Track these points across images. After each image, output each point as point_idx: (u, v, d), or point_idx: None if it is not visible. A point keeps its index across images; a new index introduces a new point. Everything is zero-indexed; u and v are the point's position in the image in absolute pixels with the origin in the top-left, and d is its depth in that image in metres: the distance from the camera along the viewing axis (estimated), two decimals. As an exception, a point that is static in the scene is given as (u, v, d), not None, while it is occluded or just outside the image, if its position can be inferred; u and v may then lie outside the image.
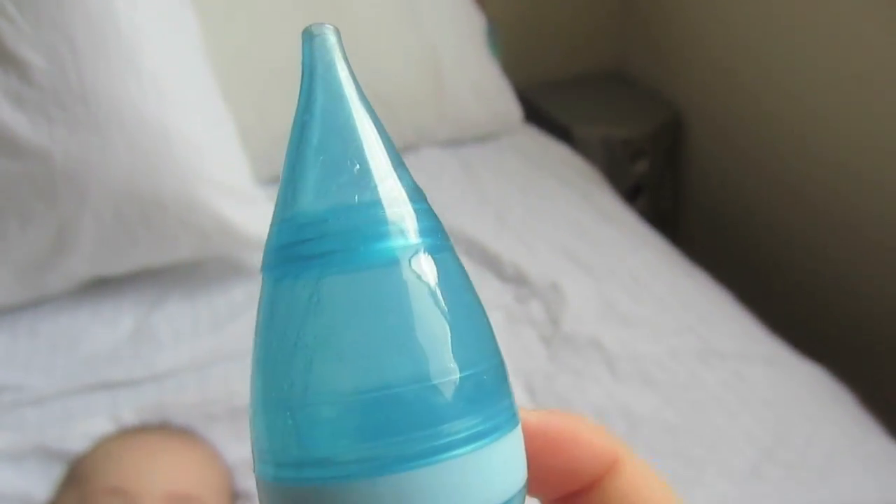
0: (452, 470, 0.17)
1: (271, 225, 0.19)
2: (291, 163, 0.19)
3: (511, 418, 0.18)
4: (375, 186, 0.18)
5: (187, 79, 0.91)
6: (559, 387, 0.81)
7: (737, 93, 1.37)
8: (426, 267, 0.18)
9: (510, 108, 1.26)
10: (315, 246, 0.18)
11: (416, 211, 0.19)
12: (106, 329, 0.88)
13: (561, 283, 0.93)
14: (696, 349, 0.85)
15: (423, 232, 0.19)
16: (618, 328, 0.88)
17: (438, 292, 0.18)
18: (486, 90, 1.23)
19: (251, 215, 0.91)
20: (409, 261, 0.18)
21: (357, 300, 0.18)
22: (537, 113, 1.40)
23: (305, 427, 0.17)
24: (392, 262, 0.18)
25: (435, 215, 0.19)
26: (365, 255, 0.18)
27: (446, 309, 0.18)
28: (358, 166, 0.19)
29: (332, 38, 0.21)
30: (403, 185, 0.19)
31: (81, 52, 0.83)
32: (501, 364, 0.19)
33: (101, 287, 0.92)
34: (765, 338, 0.88)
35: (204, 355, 0.84)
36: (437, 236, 0.19)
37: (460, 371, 0.17)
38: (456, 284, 0.18)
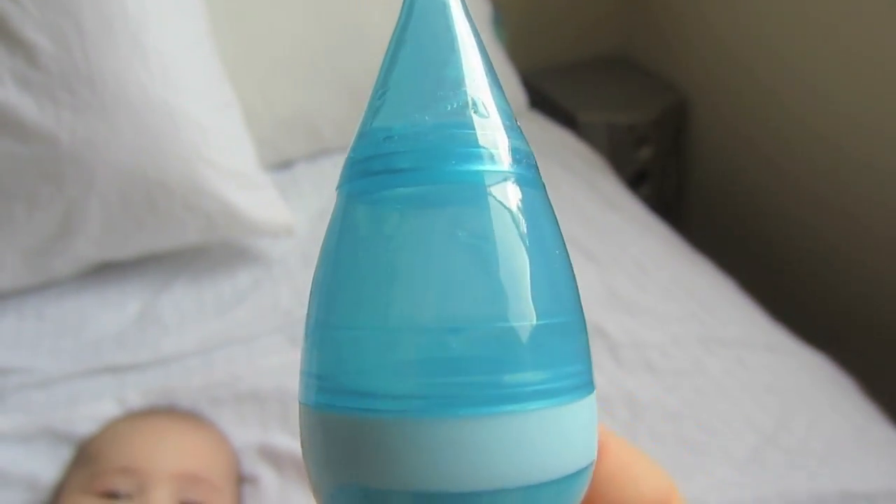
0: (514, 424, 0.15)
1: (355, 137, 0.18)
2: (384, 72, 0.18)
3: (588, 383, 0.17)
4: (467, 103, 0.17)
5: (194, 62, 0.91)
6: (562, 373, 0.82)
7: (742, 79, 1.36)
8: (514, 199, 0.16)
9: (515, 93, 1.26)
10: (396, 160, 0.16)
11: (508, 135, 0.17)
12: (112, 313, 0.88)
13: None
14: (699, 336, 0.86)
15: (513, 159, 0.17)
16: (621, 315, 0.88)
17: (524, 229, 0.16)
18: (491, 76, 1.23)
19: (256, 200, 0.91)
20: (496, 188, 0.16)
21: (435, 224, 0.16)
22: (542, 98, 1.39)
23: (367, 353, 0.16)
24: (477, 187, 0.16)
25: (526, 142, 0.18)
26: (449, 175, 0.16)
27: (530, 249, 0.16)
28: (452, 80, 0.17)
29: None
30: (497, 106, 0.17)
31: (88, 35, 0.82)
32: (582, 322, 0.17)
33: (106, 271, 0.93)
34: (767, 325, 0.89)
35: (209, 340, 0.84)
36: (527, 167, 0.17)
37: (537, 318, 0.16)
38: (543, 225, 0.17)
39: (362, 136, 0.17)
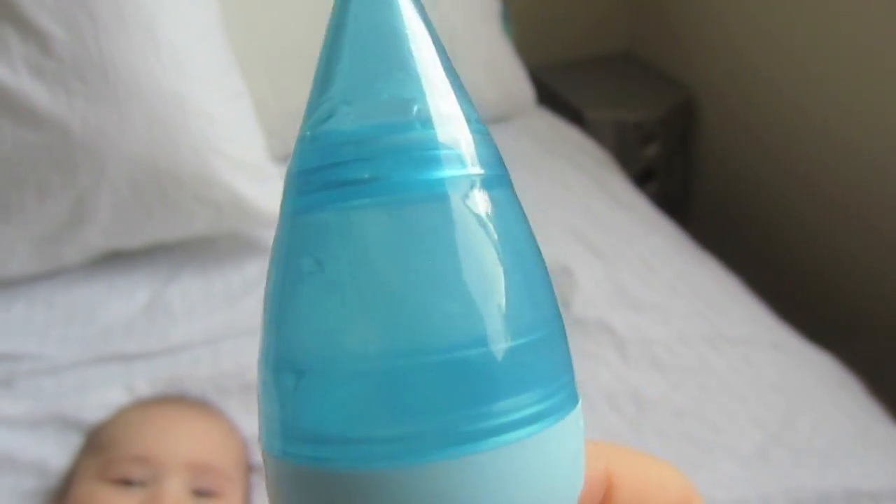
0: (504, 459, 0.14)
1: (295, 145, 0.16)
2: (321, 71, 0.16)
3: (572, 395, 0.15)
4: (424, 101, 0.15)
5: (205, 53, 0.91)
6: (569, 368, 0.82)
7: (749, 76, 1.36)
8: (482, 205, 0.14)
9: (523, 90, 1.26)
10: (345, 171, 0.14)
11: (472, 134, 0.15)
12: (121, 302, 0.88)
13: (572, 266, 0.93)
14: (705, 334, 0.86)
15: (480, 161, 0.15)
16: (628, 312, 0.89)
17: (494, 238, 0.14)
18: (500, 72, 1.23)
19: (265, 191, 0.91)
20: (462, 195, 0.14)
21: (394, 243, 0.14)
22: (549, 95, 1.39)
23: (326, 394, 0.14)
24: (440, 197, 0.14)
25: (493, 141, 0.16)
26: (407, 185, 0.14)
27: (504, 261, 0.14)
28: (403, 75, 0.15)
29: None
30: (459, 102, 0.15)
31: (101, 24, 0.83)
32: (562, 329, 0.16)
33: (116, 260, 0.93)
34: (773, 324, 0.89)
35: (217, 330, 0.85)
36: (495, 167, 0.15)
37: (517, 337, 0.14)
38: (515, 230, 0.15)
39: (304, 144, 0.15)
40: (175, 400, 0.70)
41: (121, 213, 0.87)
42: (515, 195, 0.16)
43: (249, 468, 0.67)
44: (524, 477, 0.14)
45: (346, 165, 0.14)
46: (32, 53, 0.82)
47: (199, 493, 0.58)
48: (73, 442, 0.69)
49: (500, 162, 0.16)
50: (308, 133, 0.15)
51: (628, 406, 0.78)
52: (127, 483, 0.57)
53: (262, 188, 0.91)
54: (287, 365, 0.14)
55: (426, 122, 0.15)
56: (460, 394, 0.14)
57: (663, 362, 0.83)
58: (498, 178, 0.15)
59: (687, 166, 1.53)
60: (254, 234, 0.95)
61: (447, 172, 0.14)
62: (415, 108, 0.15)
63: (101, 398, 0.75)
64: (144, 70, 0.84)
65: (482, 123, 0.16)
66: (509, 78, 1.24)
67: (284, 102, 1.04)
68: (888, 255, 1.16)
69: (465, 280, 0.14)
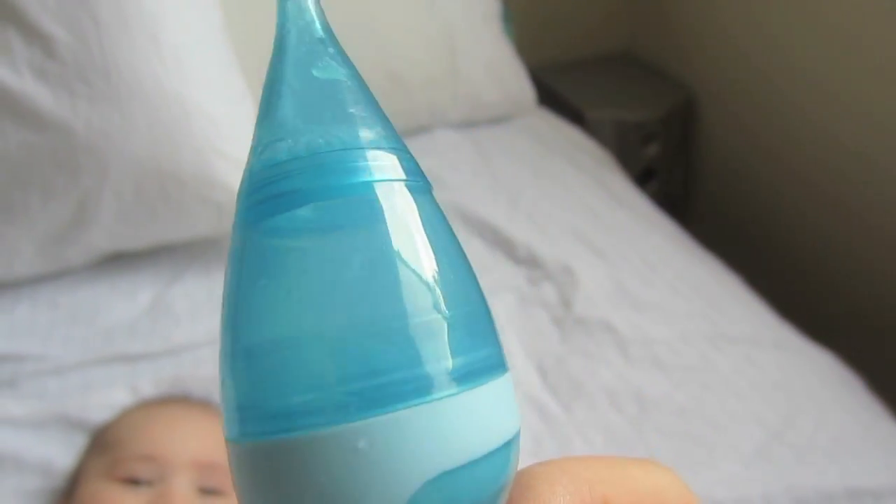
0: (437, 413, 0.16)
1: (245, 172, 0.18)
2: (263, 109, 0.18)
3: (500, 364, 0.17)
4: (353, 125, 0.18)
5: (208, 55, 0.92)
6: (571, 369, 0.83)
7: (749, 76, 1.37)
8: (407, 204, 0.17)
9: (524, 89, 1.26)
10: (283, 184, 0.17)
11: (395, 151, 0.18)
12: (124, 303, 0.89)
13: (573, 265, 0.94)
14: (707, 333, 0.86)
15: (403, 170, 0.18)
16: (629, 311, 0.89)
17: (420, 230, 0.17)
18: (501, 72, 1.23)
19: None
20: (388, 195, 0.17)
21: (330, 235, 0.17)
22: (550, 95, 1.40)
23: (272, 372, 0.16)
24: (369, 194, 0.17)
25: (414, 159, 0.19)
26: (338, 188, 0.17)
27: (428, 248, 0.17)
28: (334, 109, 0.18)
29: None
30: (381, 126, 0.18)
31: (104, 26, 0.83)
32: (487, 311, 0.18)
33: (119, 261, 0.93)
34: (775, 323, 0.89)
35: (219, 331, 0.85)
36: (417, 177, 0.18)
37: (443, 310, 0.16)
38: (438, 227, 0.18)
39: (253, 163, 0.18)
40: (179, 400, 0.70)
41: (124, 215, 0.87)
42: (437, 203, 0.18)
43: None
44: (455, 429, 0.16)
45: (283, 181, 0.17)
46: (36, 56, 0.82)
47: (206, 491, 0.58)
48: (78, 442, 0.70)
49: (421, 173, 0.18)
50: (252, 163, 0.18)
51: (630, 405, 0.78)
52: (134, 482, 0.57)
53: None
54: (247, 352, 0.17)
55: (352, 143, 0.17)
56: (393, 358, 0.16)
57: (665, 361, 0.83)
58: (419, 186, 0.18)
59: (687, 166, 1.53)
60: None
61: (373, 177, 0.17)
62: (345, 134, 0.18)
63: (106, 398, 0.75)
64: (147, 72, 0.85)
65: (403, 145, 0.19)
66: (510, 78, 1.25)
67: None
68: (888, 254, 1.16)
69: (395, 265, 0.16)
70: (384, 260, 0.16)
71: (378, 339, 0.16)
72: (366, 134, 0.18)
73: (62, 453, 0.70)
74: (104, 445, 0.62)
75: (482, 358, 0.17)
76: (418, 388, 0.16)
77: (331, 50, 0.19)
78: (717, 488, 0.69)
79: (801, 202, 1.31)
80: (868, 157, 1.17)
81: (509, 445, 0.17)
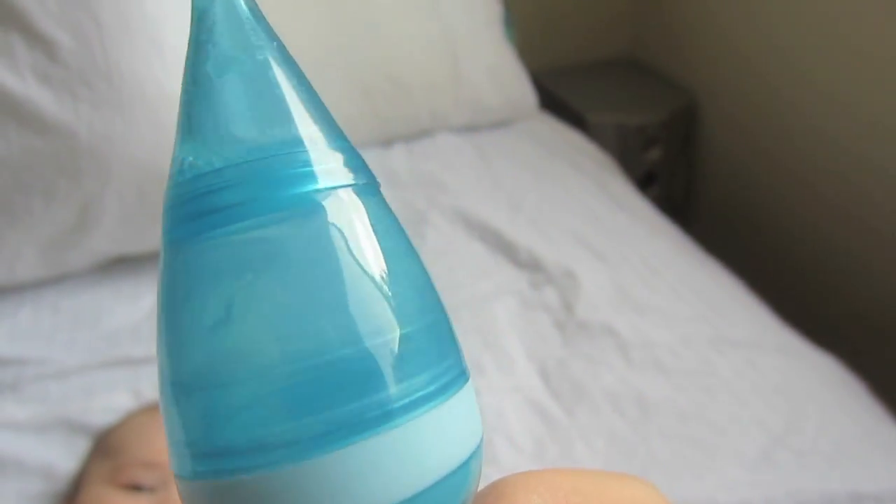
0: (398, 439, 0.15)
1: (168, 180, 0.17)
2: (185, 109, 0.16)
3: (460, 375, 0.16)
4: (288, 124, 0.16)
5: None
6: (573, 372, 0.83)
7: (752, 80, 1.37)
8: (354, 212, 0.16)
9: (526, 94, 1.27)
10: (217, 198, 0.15)
11: (337, 149, 0.16)
12: (126, 307, 0.89)
13: (575, 269, 0.94)
14: (709, 337, 0.86)
15: (348, 172, 0.16)
16: (631, 315, 0.89)
17: (370, 241, 0.15)
18: (503, 76, 1.24)
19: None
20: (333, 205, 0.15)
21: (271, 256, 0.15)
22: (552, 99, 1.40)
23: (225, 406, 0.15)
24: (313, 209, 0.15)
25: (359, 154, 0.17)
26: (278, 202, 0.15)
27: (380, 260, 0.15)
28: (265, 103, 0.16)
29: None
30: (320, 122, 0.16)
31: (106, 31, 0.83)
32: (445, 318, 0.17)
33: (122, 265, 0.94)
34: (777, 327, 0.89)
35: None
36: (363, 176, 0.16)
37: (399, 328, 0.15)
38: (389, 232, 0.16)
39: (176, 177, 0.16)
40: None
41: (126, 219, 0.88)
42: (385, 201, 0.17)
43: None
44: (420, 451, 0.15)
45: (216, 193, 0.15)
46: (39, 60, 0.82)
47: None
48: (80, 446, 0.70)
49: (367, 171, 0.17)
50: (177, 171, 0.16)
51: (632, 409, 0.78)
52: (136, 488, 0.57)
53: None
54: (185, 386, 0.15)
55: (290, 144, 0.15)
56: (349, 389, 0.14)
57: (667, 365, 0.83)
58: (366, 187, 0.16)
59: (689, 170, 1.53)
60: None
61: (317, 185, 0.15)
62: (278, 135, 0.16)
63: (108, 402, 0.75)
64: (149, 76, 0.85)
65: (346, 140, 0.17)
66: (512, 82, 1.25)
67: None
68: (890, 257, 1.16)
69: (345, 285, 0.15)
70: (334, 279, 0.15)
71: (330, 368, 0.14)
72: (306, 132, 0.16)
73: (64, 457, 0.70)
74: (107, 450, 0.62)
75: (443, 371, 0.16)
76: (376, 416, 0.14)
77: (259, 32, 0.17)
78: (718, 493, 0.69)
79: (802, 206, 1.30)
80: (870, 161, 1.17)
81: (472, 457, 0.16)
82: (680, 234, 1.07)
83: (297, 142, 0.16)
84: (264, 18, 0.18)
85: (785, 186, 1.34)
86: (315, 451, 0.14)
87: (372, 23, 1.13)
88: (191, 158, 0.16)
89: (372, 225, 0.16)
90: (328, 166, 0.16)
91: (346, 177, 0.16)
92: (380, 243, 0.16)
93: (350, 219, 0.15)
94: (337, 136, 0.16)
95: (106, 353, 0.83)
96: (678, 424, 0.77)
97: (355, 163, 0.16)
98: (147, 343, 0.84)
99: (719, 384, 0.81)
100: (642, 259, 0.99)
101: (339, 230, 0.15)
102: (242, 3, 0.17)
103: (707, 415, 0.78)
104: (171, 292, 0.16)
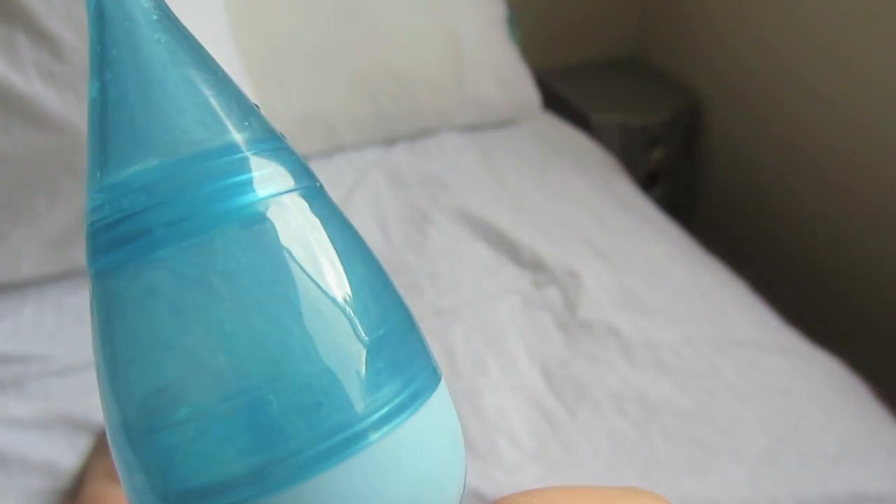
0: (372, 459, 0.13)
1: (87, 200, 0.15)
2: (99, 124, 0.15)
3: (432, 374, 0.15)
4: (222, 130, 0.14)
5: (213, 57, 0.92)
6: (575, 372, 0.82)
7: (755, 81, 1.37)
8: (301, 218, 0.14)
9: (529, 93, 1.27)
10: (145, 219, 0.13)
11: (275, 152, 0.14)
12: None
13: (578, 269, 0.94)
14: (712, 337, 0.86)
15: (290, 176, 0.14)
16: (634, 315, 0.89)
17: (322, 249, 0.14)
18: (506, 76, 1.24)
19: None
20: (279, 214, 0.14)
21: (217, 279, 0.13)
22: (555, 99, 1.40)
23: (187, 445, 0.13)
24: (255, 221, 0.14)
25: (296, 154, 0.15)
26: (215, 218, 0.13)
27: (335, 268, 0.14)
28: (186, 110, 0.14)
29: None
30: (253, 125, 0.15)
31: (111, 30, 0.84)
32: (407, 318, 0.15)
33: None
34: (780, 327, 0.89)
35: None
36: (306, 179, 0.15)
37: (360, 339, 0.14)
38: (341, 237, 0.15)
39: (97, 196, 0.14)
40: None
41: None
42: (330, 199, 0.15)
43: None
44: (410, 460, 0.14)
45: (145, 213, 0.13)
46: (43, 58, 0.82)
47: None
48: (82, 443, 0.70)
49: (307, 172, 0.15)
50: (100, 184, 0.14)
51: (635, 409, 0.78)
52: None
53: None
54: (134, 429, 0.14)
55: (225, 150, 0.14)
56: (316, 410, 0.13)
57: (670, 365, 0.83)
58: (310, 189, 0.15)
59: (692, 170, 1.53)
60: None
61: (258, 193, 0.14)
62: (205, 142, 0.14)
63: (110, 400, 0.75)
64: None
65: (280, 139, 0.15)
66: (515, 82, 1.25)
67: (292, 108, 1.05)
68: (892, 260, 1.16)
69: (300, 299, 0.13)
70: (286, 295, 0.13)
71: (288, 392, 0.13)
72: (238, 134, 0.14)
73: (67, 454, 0.70)
74: (108, 447, 0.62)
75: (413, 375, 0.15)
76: (346, 439, 0.13)
77: (173, 29, 0.15)
78: (721, 493, 0.69)
79: (805, 206, 1.30)
80: (873, 163, 1.17)
81: (457, 465, 0.15)
82: (683, 234, 1.07)
83: (235, 146, 0.14)
84: (163, 6, 0.15)
85: (787, 186, 1.33)
86: (281, 485, 0.13)
87: (376, 22, 1.13)
88: (112, 178, 0.14)
89: (323, 231, 0.14)
90: (269, 171, 0.14)
91: (289, 181, 0.14)
92: (333, 249, 0.14)
93: (299, 227, 0.14)
94: (269, 133, 0.15)
95: (109, 351, 0.83)
96: (680, 424, 0.77)
97: (295, 165, 0.15)
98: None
99: (722, 384, 0.81)
100: (645, 259, 0.98)
101: (288, 241, 0.14)
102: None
103: (709, 415, 0.78)
104: (106, 330, 0.14)
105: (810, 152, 1.28)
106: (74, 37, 0.83)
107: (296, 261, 0.14)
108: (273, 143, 0.14)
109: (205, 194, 0.13)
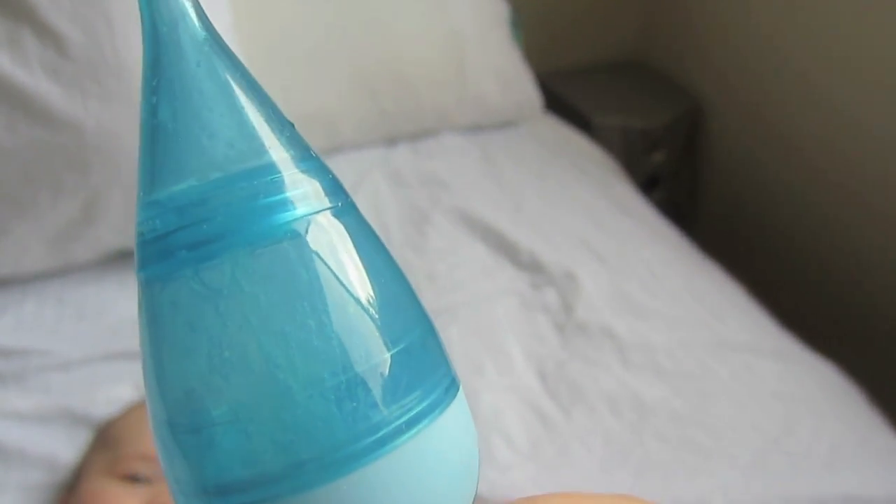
0: (397, 461, 0.15)
1: (138, 211, 0.16)
2: (148, 144, 0.16)
3: (451, 384, 0.16)
4: (258, 150, 0.16)
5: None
6: (571, 373, 0.83)
7: (757, 84, 1.37)
8: (335, 237, 0.15)
9: (531, 95, 1.27)
10: (194, 233, 0.15)
11: (309, 171, 0.16)
12: (130, 300, 0.89)
13: (576, 271, 0.94)
14: (707, 341, 0.87)
15: (324, 194, 0.16)
16: (631, 318, 0.90)
17: (354, 265, 0.15)
18: (508, 77, 1.24)
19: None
20: (316, 232, 0.15)
21: (254, 291, 0.15)
22: (557, 101, 1.40)
23: (226, 444, 0.14)
24: (292, 237, 0.15)
25: (330, 171, 0.16)
26: (258, 234, 0.15)
27: (366, 283, 0.15)
28: (226, 133, 0.16)
29: None
30: (289, 143, 0.16)
31: (116, 26, 0.84)
32: (430, 328, 0.17)
33: (127, 258, 0.94)
34: (776, 332, 0.90)
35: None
36: (339, 196, 0.16)
37: (388, 349, 0.15)
38: (371, 252, 0.16)
39: (149, 209, 0.16)
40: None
41: (132, 213, 0.88)
42: (361, 215, 0.17)
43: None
44: (423, 469, 0.15)
45: (194, 227, 0.15)
46: (48, 55, 0.83)
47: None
48: (82, 437, 0.71)
49: (340, 189, 0.16)
50: (151, 198, 0.16)
51: (628, 411, 0.79)
52: (134, 479, 0.58)
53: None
54: (180, 426, 0.15)
55: (262, 171, 0.15)
56: (346, 415, 0.14)
57: (665, 368, 0.84)
58: (343, 206, 0.16)
59: (693, 174, 1.53)
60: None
61: (298, 212, 0.15)
62: (249, 162, 0.15)
63: (110, 394, 0.76)
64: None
65: (315, 157, 0.16)
66: (517, 83, 1.25)
67: (295, 106, 1.05)
68: (893, 266, 1.16)
69: (331, 313, 0.15)
70: (320, 309, 0.15)
71: (321, 399, 0.14)
72: (278, 155, 0.15)
73: (66, 448, 0.71)
74: (107, 442, 0.63)
75: (435, 383, 0.16)
76: (373, 442, 0.14)
77: (219, 52, 0.17)
78: (712, 495, 0.70)
79: (805, 211, 1.31)
80: (873, 167, 1.17)
81: (473, 467, 0.16)
82: (681, 238, 1.07)
83: (275, 166, 0.15)
84: (211, 29, 0.17)
85: (788, 191, 1.34)
86: (315, 482, 0.14)
87: (378, 22, 1.14)
88: (153, 196, 0.15)
89: (354, 248, 0.16)
90: (306, 189, 0.15)
91: (324, 201, 0.16)
92: (363, 265, 0.16)
93: (332, 244, 0.15)
94: (307, 153, 0.16)
95: (109, 346, 0.83)
96: (674, 427, 0.77)
97: (330, 183, 0.16)
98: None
99: (716, 388, 0.81)
100: (643, 262, 0.99)
101: (323, 258, 0.15)
102: (191, 21, 0.16)
103: (703, 418, 0.78)
104: (157, 333, 0.15)
105: (812, 157, 1.28)
106: (80, 34, 0.84)
107: (330, 276, 0.15)
108: (307, 163, 0.16)
109: (249, 210, 0.15)
